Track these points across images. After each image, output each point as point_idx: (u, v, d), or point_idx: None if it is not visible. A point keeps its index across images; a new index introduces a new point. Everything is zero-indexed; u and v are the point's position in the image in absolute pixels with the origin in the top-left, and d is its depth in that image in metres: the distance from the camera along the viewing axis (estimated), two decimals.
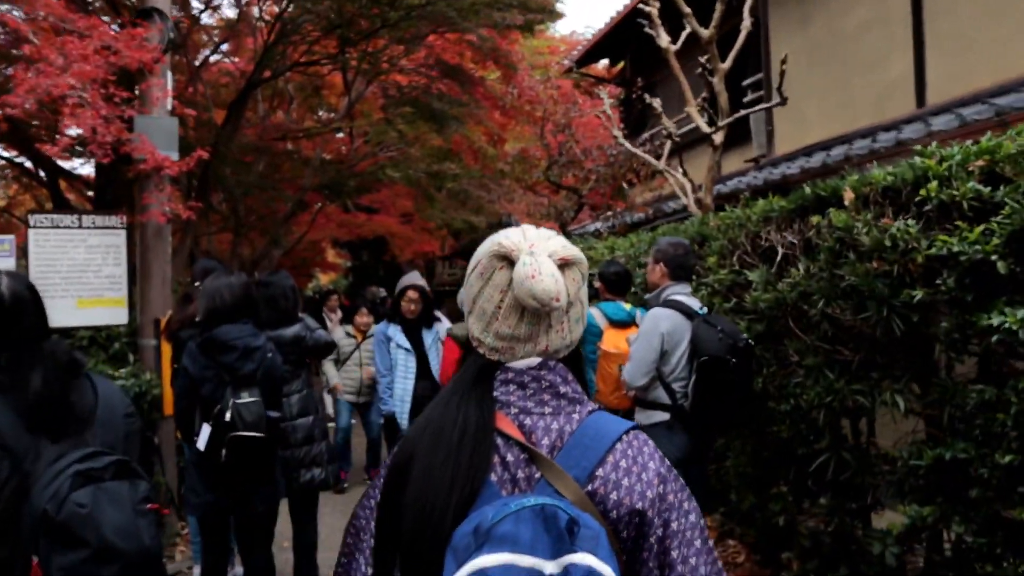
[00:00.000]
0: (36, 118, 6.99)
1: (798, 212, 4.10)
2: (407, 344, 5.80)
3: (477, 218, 14.66)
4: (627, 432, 1.24)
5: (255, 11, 10.10)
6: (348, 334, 7.56)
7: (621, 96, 13.66)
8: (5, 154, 9.39)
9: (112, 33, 4.46)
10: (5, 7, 5.78)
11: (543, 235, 1.26)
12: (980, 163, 3.06)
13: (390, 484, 1.25)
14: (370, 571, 1.27)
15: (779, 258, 4.14)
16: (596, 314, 4.90)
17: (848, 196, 3.67)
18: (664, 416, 3.95)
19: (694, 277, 4.56)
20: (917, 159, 3.33)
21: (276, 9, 8.74)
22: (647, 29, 6.94)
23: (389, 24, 8.20)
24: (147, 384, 5.31)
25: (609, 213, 11.30)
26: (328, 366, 7.42)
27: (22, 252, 5.65)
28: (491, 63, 12.10)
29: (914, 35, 7.20)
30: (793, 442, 4.09)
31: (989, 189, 2.93)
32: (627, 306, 4.94)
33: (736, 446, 4.83)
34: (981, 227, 2.86)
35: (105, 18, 6.76)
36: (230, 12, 11.46)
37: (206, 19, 12.22)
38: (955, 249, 2.90)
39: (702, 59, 6.28)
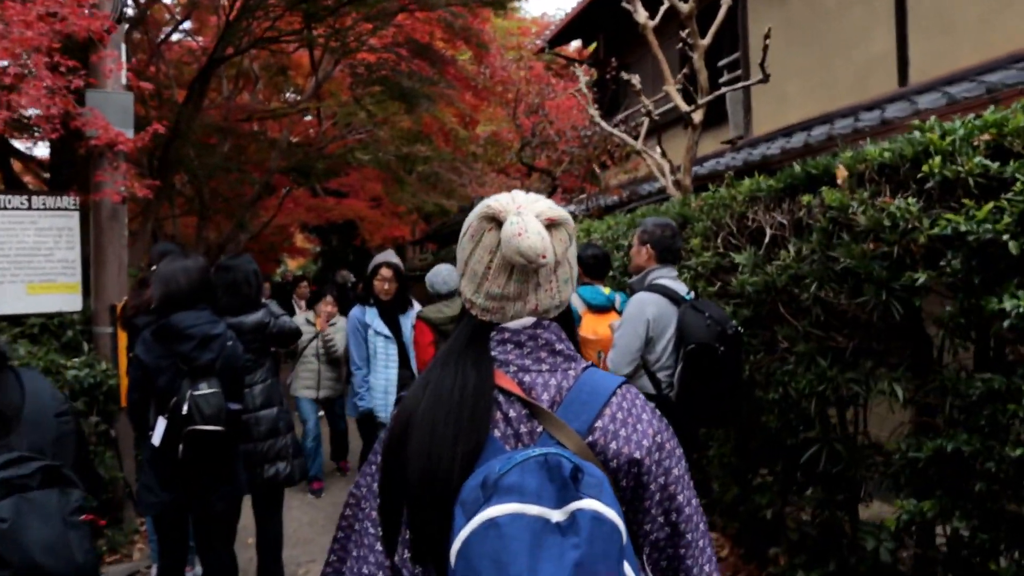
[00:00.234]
0: None
1: (787, 191, 3.91)
2: (386, 330, 5.32)
3: (448, 202, 14.47)
4: (620, 386, 1.29)
5: None
6: (309, 321, 7.06)
7: (594, 77, 13.44)
8: None
9: None
10: None
11: (531, 198, 1.29)
12: (986, 137, 2.88)
13: (391, 445, 1.26)
14: (379, 534, 1.28)
15: (767, 240, 3.95)
16: (574, 299, 4.70)
17: (841, 174, 3.48)
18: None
19: None
20: (916, 134, 3.14)
21: None
22: (624, 3, 6.72)
23: None
24: (102, 374, 5.03)
25: (583, 196, 11.09)
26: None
27: None
28: (462, 43, 11.85)
29: (896, 12, 7.04)
30: (781, 432, 3.92)
31: (998, 164, 2.75)
32: (606, 290, 4.75)
33: (719, 435, 4.67)
34: (990, 205, 2.68)
35: None
36: None
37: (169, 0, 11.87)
38: (962, 228, 2.72)
39: (683, 33, 6.07)
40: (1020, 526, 2.85)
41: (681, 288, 3.81)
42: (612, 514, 1.05)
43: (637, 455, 1.23)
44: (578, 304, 4.67)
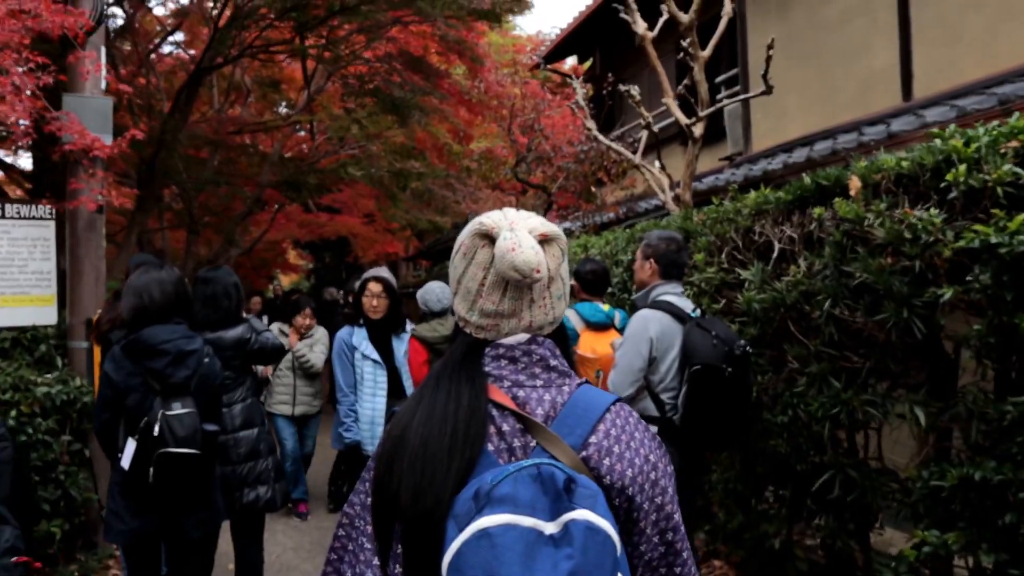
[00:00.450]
0: None
1: (797, 204, 3.73)
2: (375, 354, 4.79)
3: (442, 218, 14.32)
4: (614, 403, 1.27)
5: None
6: (283, 332, 6.61)
7: (591, 93, 13.30)
8: None
9: None
10: None
11: (523, 215, 1.30)
12: (1014, 144, 2.70)
13: (384, 461, 1.24)
14: (376, 549, 1.26)
15: (775, 254, 3.77)
16: (572, 316, 4.50)
17: (854, 185, 3.30)
18: (652, 430, 3.52)
19: None
20: (937, 142, 2.96)
21: None
22: (622, 15, 6.56)
23: (347, 8, 7.72)
24: (76, 391, 4.78)
25: (578, 213, 10.91)
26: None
27: None
28: (456, 57, 11.71)
29: (899, 24, 6.90)
30: (790, 457, 3.71)
31: None
32: (605, 307, 4.55)
33: (723, 459, 4.45)
34: (1023, 216, 2.49)
35: None
36: None
37: (161, 12, 11.74)
38: (992, 241, 2.53)
39: (684, 43, 5.90)
40: None
41: (687, 305, 3.60)
42: (606, 524, 1.03)
43: (630, 473, 1.22)
44: (576, 321, 4.47)
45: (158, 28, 11.91)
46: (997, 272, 2.56)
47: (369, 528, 1.28)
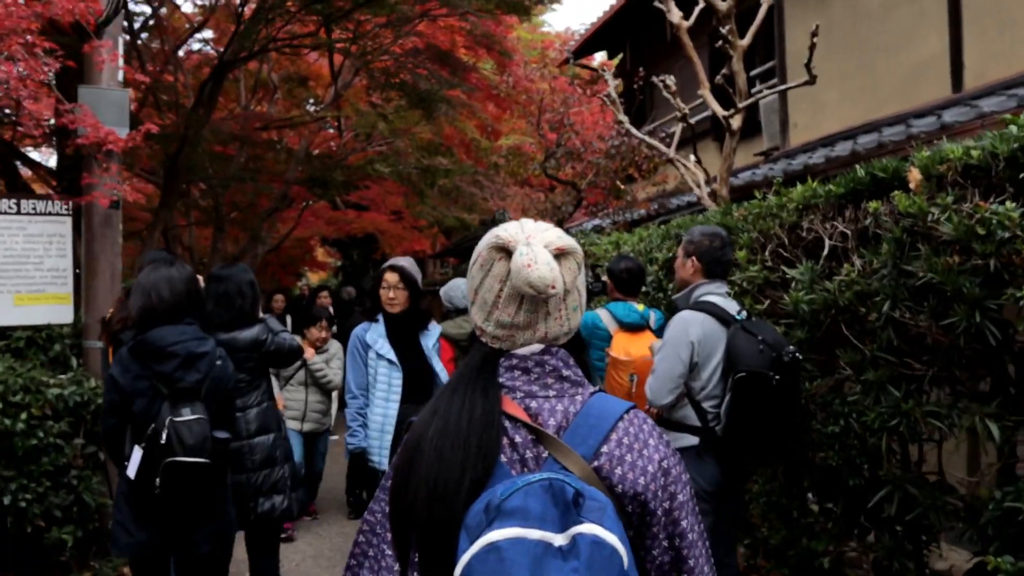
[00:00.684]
0: None
1: (850, 197, 3.45)
2: (391, 354, 4.18)
3: (469, 215, 14.17)
4: (627, 411, 1.28)
5: None
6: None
7: (621, 89, 13.02)
8: None
9: None
10: None
11: (540, 227, 1.31)
12: None
13: (400, 470, 1.27)
14: (396, 556, 1.28)
15: (826, 252, 3.50)
16: (604, 316, 4.27)
17: (914, 177, 3.03)
18: (692, 440, 3.27)
19: None
20: (1013, 128, 2.69)
21: None
22: (657, 3, 6.30)
23: (373, 1, 7.52)
24: (91, 393, 4.62)
25: (608, 211, 10.64)
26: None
27: None
28: (484, 52, 11.49)
29: (949, 11, 6.56)
30: (841, 470, 3.44)
31: None
32: (640, 307, 4.30)
33: (765, 471, 4.19)
34: None
35: None
36: None
37: (189, 9, 11.64)
38: None
39: (723, 30, 5.63)
40: None
41: (732, 306, 3.34)
42: (612, 538, 1.03)
43: (642, 481, 1.22)
44: (608, 322, 4.25)
45: (187, 26, 11.82)
46: None
47: (389, 535, 1.30)
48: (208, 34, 12.27)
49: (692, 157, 6.49)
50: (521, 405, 1.26)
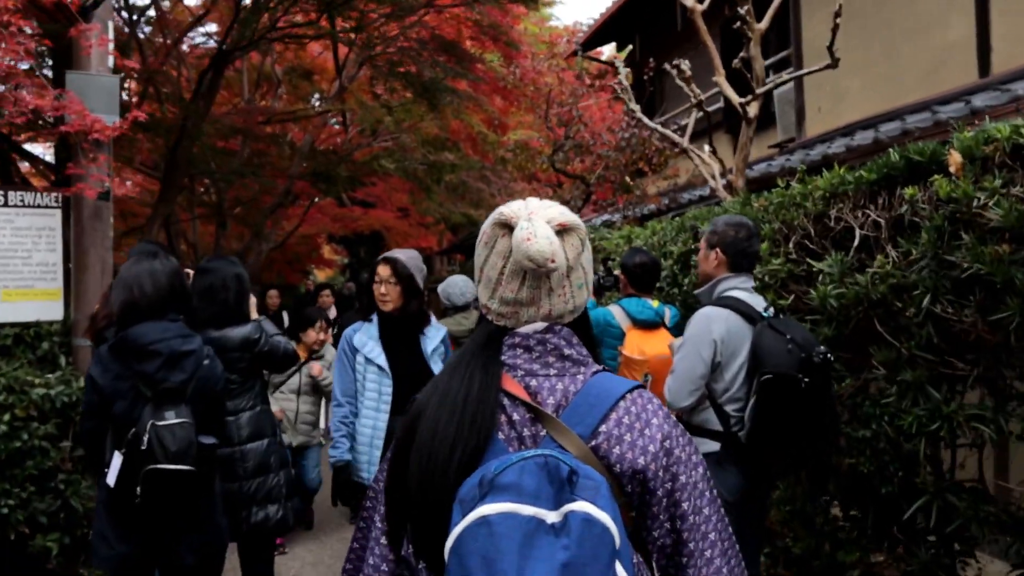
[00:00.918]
0: None
1: (883, 183, 3.21)
2: (382, 359, 3.66)
3: (476, 212, 14.01)
4: (631, 390, 1.27)
5: None
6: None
7: (631, 81, 12.76)
8: None
9: None
10: None
11: (543, 204, 1.30)
12: None
13: (400, 445, 1.29)
14: (384, 528, 1.32)
15: (856, 242, 3.26)
16: (616, 313, 4.04)
17: (955, 160, 2.80)
18: (714, 446, 3.02)
19: None
20: None
21: None
22: None
23: None
24: (80, 393, 4.40)
25: (617, 206, 10.39)
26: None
27: None
28: (490, 43, 11.25)
29: None
30: (873, 477, 3.21)
31: None
32: (655, 303, 4.07)
33: (788, 477, 3.95)
34: None
35: None
36: None
37: (192, 2, 11.42)
38: None
39: (741, 10, 5.38)
40: None
41: (758, 302, 3.08)
42: (604, 516, 1.02)
43: (642, 461, 1.22)
44: (621, 319, 4.01)
45: (190, 19, 11.62)
46: None
47: (383, 507, 1.32)
48: (212, 28, 12.09)
49: (707, 147, 6.25)
50: (521, 383, 1.27)
